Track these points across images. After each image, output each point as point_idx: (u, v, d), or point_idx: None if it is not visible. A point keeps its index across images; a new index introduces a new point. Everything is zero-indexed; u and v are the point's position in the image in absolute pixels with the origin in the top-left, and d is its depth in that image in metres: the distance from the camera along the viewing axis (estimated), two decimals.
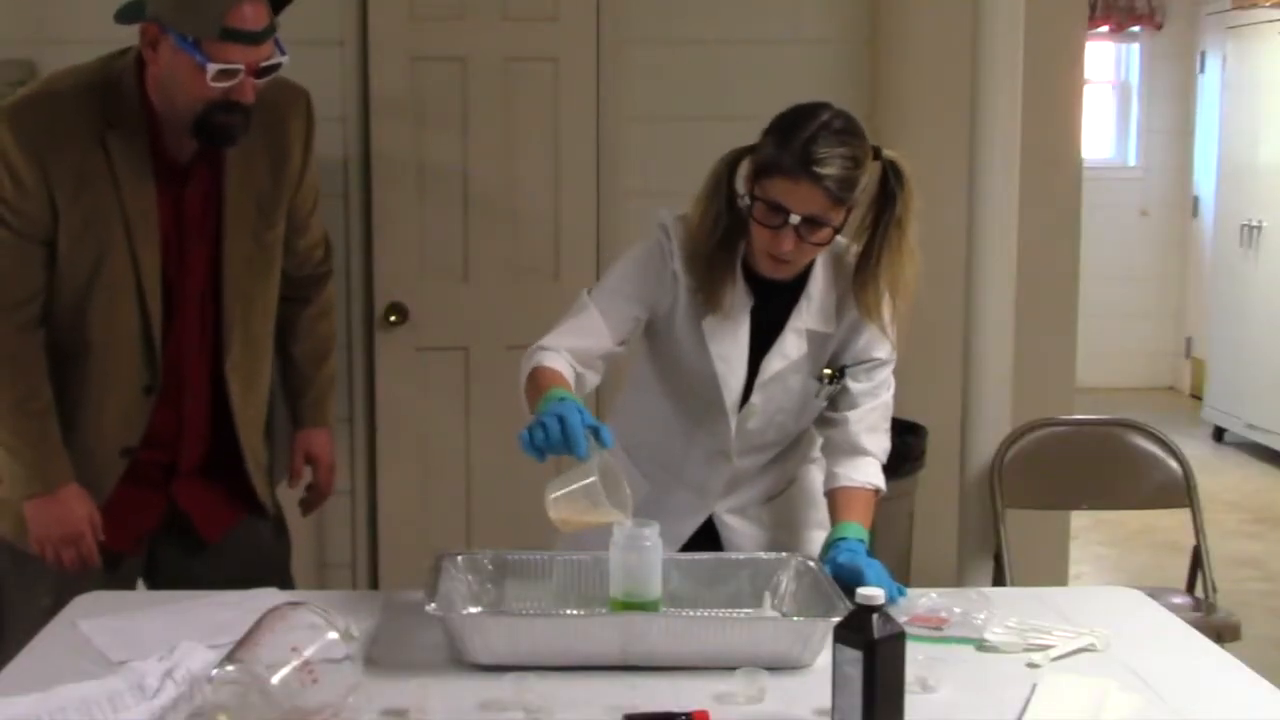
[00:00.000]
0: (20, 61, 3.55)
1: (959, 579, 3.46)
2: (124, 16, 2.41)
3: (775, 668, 1.92)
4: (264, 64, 2.37)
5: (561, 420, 2.02)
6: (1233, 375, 7.36)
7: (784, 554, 2.29)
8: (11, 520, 2.53)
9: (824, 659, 1.85)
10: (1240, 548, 5.65)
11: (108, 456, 2.54)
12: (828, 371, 2.37)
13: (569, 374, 2.23)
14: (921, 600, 2.22)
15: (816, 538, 2.46)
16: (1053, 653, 2.05)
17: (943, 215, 3.63)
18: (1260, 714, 1.90)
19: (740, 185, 2.29)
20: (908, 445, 3.57)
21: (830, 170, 2.15)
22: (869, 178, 2.25)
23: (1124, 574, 5.25)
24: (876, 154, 2.26)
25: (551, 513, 2.08)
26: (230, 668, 1.71)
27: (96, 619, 2.15)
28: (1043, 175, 3.67)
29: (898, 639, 1.73)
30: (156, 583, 2.67)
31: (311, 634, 1.77)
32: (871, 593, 1.72)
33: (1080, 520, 4.88)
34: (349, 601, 2.22)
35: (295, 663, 1.73)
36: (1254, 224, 7.16)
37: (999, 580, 3.35)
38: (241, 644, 1.75)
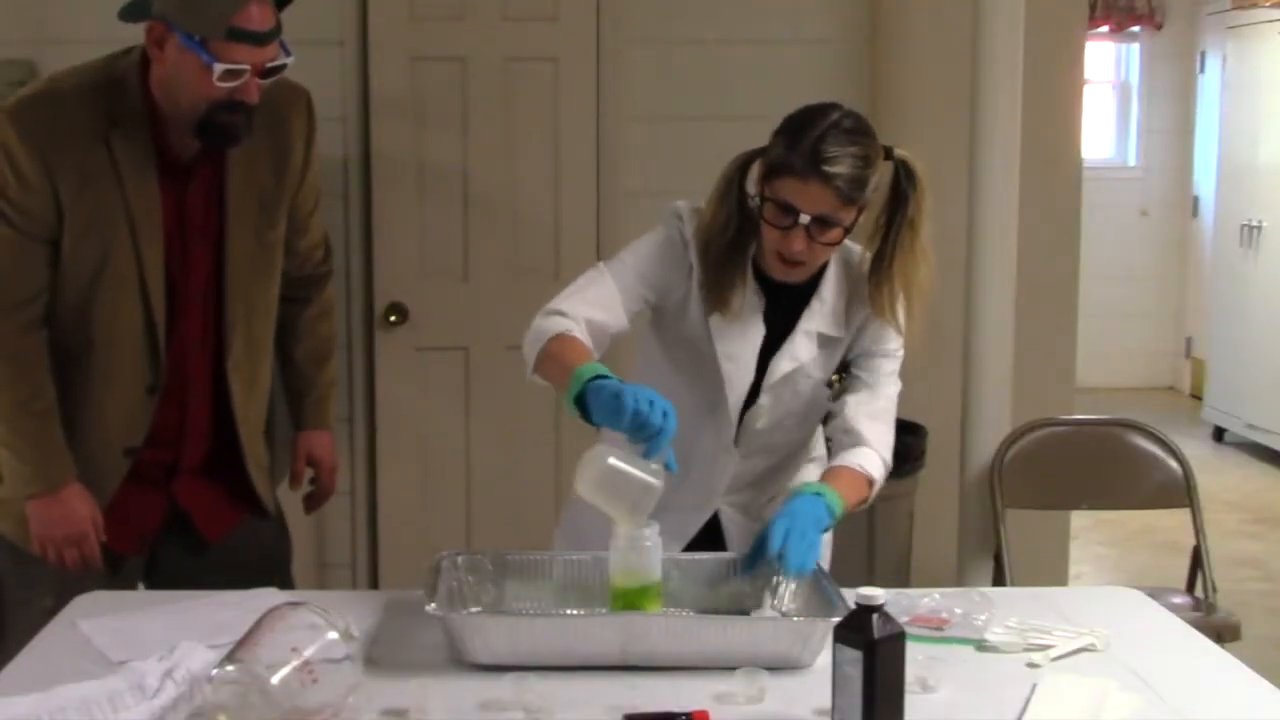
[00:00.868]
0: (20, 61, 3.55)
1: (959, 579, 3.46)
2: (129, 14, 2.41)
3: (775, 668, 1.92)
4: (269, 65, 2.37)
5: (657, 410, 2.01)
6: (1233, 375, 7.36)
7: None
8: (13, 520, 2.53)
9: (824, 659, 1.85)
10: (1240, 548, 5.65)
11: (111, 456, 2.54)
12: (837, 376, 2.37)
13: (585, 338, 2.19)
14: (923, 600, 2.22)
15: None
16: (1053, 653, 2.05)
17: (943, 215, 3.63)
18: (1260, 714, 1.90)
19: (751, 187, 2.28)
20: (908, 445, 3.57)
21: (840, 169, 2.15)
22: (880, 178, 2.24)
23: (1124, 574, 5.25)
24: (888, 154, 2.26)
25: (590, 473, 2.04)
26: (230, 668, 1.71)
27: (96, 619, 2.15)
28: (1043, 175, 3.67)
29: (898, 639, 1.73)
30: (157, 583, 2.66)
31: (311, 634, 1.77)
32: (871, 593, 1.72)
33: (1080, 520, 4.88)
34: (349, 601, 2.22)
35: (295, 663, 1.73)
36: (1254, 224, 7.16)
37: (999, 580, 3.35)
38: (241, 644, 1.75)
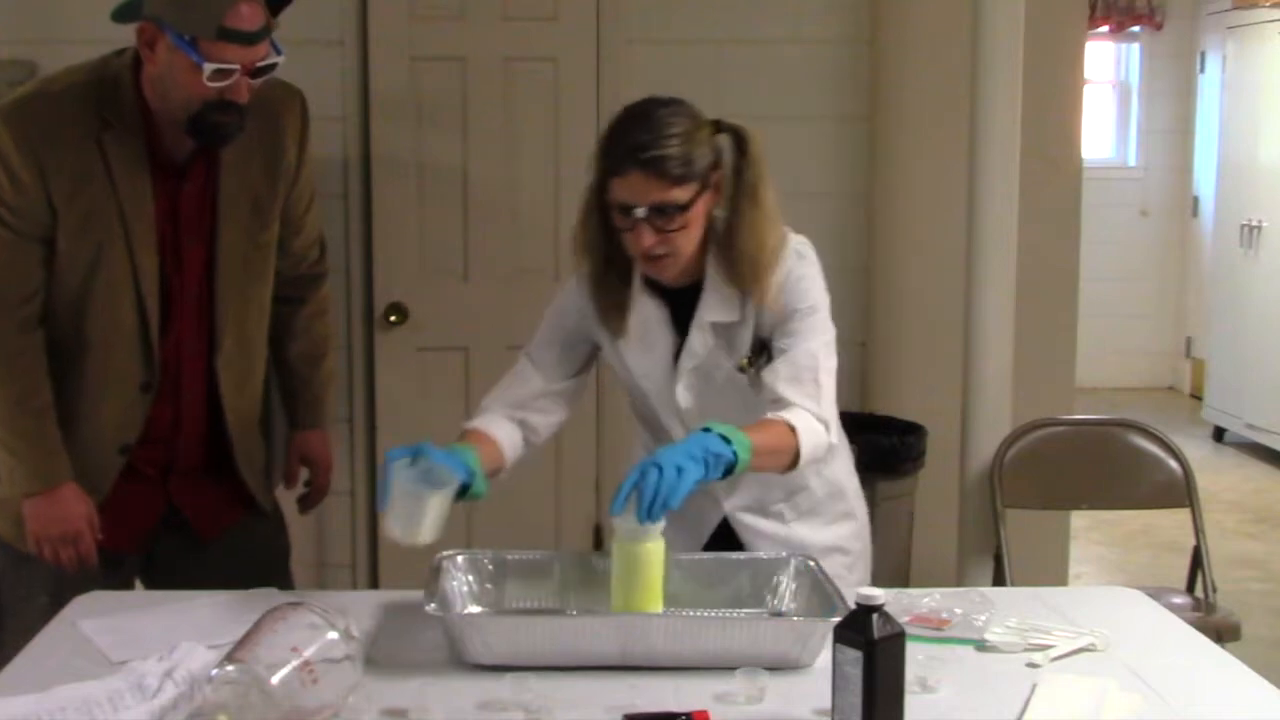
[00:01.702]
0: (20, 61, 3.55)
1: (959, 579, 3.46)
2: (121, 16, 2.42)
3: (775, 668, 1.92)
4: (260, 64, 2.38)
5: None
6: (1233, 375, 7.36)
7: (784, 554, 2.29)
8: (9, 520, 2.53)
9: (824, 659, 1.85)
10: (1240, 548, 5.65)
11: (106, 454, 2.54)
12: (746, 359, 2.33)
13: (496, 428, 2.34)
14: (923, 600, 2.22)
15: (842, 529, 2.47)
16: (1053, 653, 2.05)
17: (943, 215, 3.64)
18: (1260, 714, 1.90)
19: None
20: (908, 445, 3.57)
21: (654, 153, 2.16)
22: (717, 154, 2.24)
23: (1124, 574, 5.25)
24: (719, 127, 2.25)
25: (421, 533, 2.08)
26: (230, 668, 1.71)
27: (96, 619, 2.16)
28: (1043, 175, 3.67)
29: (898, 639, 1.73)
30: (154, 582, 2.67)
31: (311, 634, 1.77)
32: (871, 593, 1.72)
33: (1080, 520, 4.88)
34: (349, 601, 2.22)
35: (295, 663, 1.72)
36: (1254, 224, 7.16)
37: (999, 580, 3.35)
38: (241, 644, 1.75)
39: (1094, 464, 3.56)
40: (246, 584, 2.33)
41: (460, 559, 2.22)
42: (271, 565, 2.67)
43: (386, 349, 3.78)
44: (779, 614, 2.17)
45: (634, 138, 2.18)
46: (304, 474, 2.89)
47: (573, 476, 3.86)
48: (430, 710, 1.82)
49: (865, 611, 1.72)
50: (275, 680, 1.70)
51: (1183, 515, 3.49)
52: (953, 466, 3.50)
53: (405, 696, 1.84)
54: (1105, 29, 8.38)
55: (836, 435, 2.36)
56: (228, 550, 2.64)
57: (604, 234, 2.31)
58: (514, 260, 3.78)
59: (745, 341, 2.33)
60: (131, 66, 2.44)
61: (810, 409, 2.25)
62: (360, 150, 3.72)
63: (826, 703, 1.76)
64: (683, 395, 2.35)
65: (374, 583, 3.83)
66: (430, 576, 2.12)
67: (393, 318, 3.75)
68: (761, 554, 2.32)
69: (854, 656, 1.71)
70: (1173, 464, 3.50)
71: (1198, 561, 3.48)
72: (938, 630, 2.13)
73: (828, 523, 2.47)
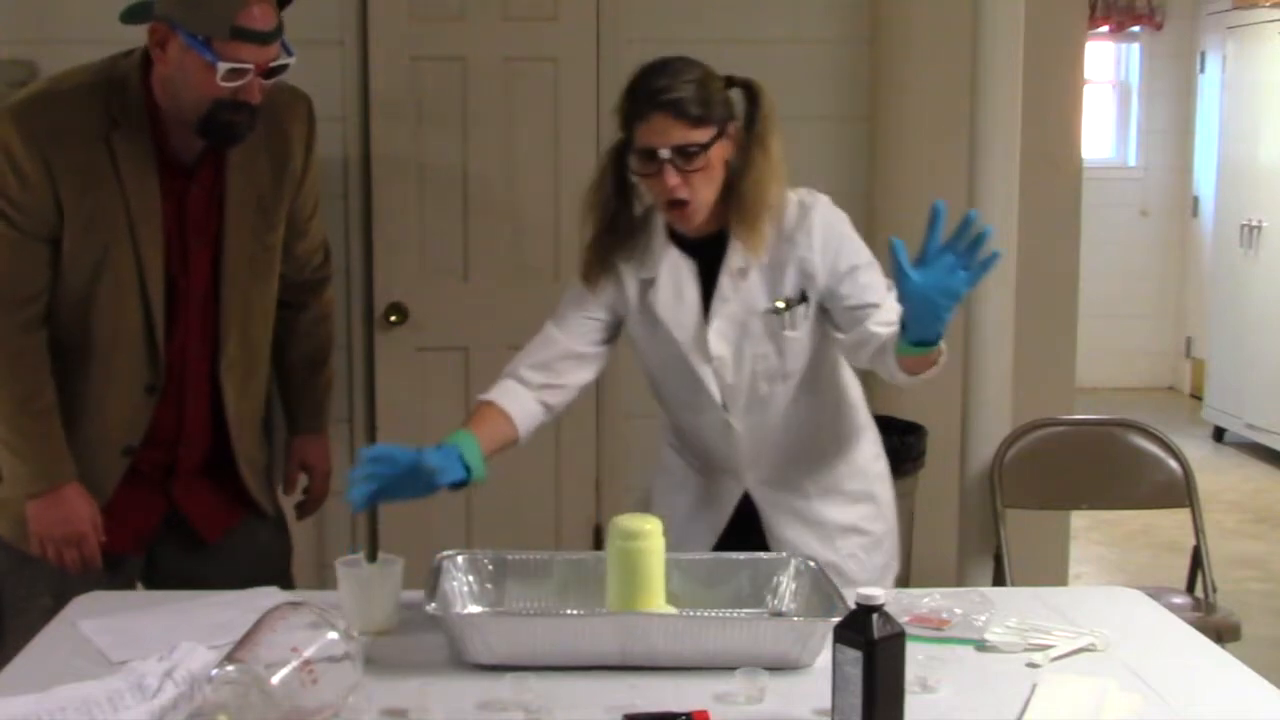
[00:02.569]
0: (20, 61, 3.55)
1: (959, 579, 3.46)
2: (131, 17, 2.42)
3: (775, 668, 1.92)
4: (272, 64, 2.38)
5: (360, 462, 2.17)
6: (1233, 375, 7.36)
7: (784, 554, 2.29)
8: (11, 520, 2.53)
9: (824, 659, 1.85)
10: (1240, 548, 5.66)
11: (109, 455, 2.54)
12: (784, 299, 2.39)
13: (508, 400, 2.37)
14: (923, 600, 2.22)
15: (862, 510, 2.53)
16: (1053, 653, 2.05)
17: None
18: (1260, 714, 1.90)
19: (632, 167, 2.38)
20: (908, 445, 3.57)
21: (674, 95, 2.27)
22: (725, 103, 2.33)
23: (1124, 574, 5.25)
24: (731, 82, 2.36)
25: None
26: (230, 668, 1.71)
27: (96, 619, 2.16)
28: (1043, 175, 3.67)
29: (898, 639, 1.73)
30: (155, 584, 2.67)
31: (311, 634, 1.77)
32: (871, 593, 1.72)
33: (1080, 520, 4.88)
34: None
35: (295, 663, 1.73)
36: (1254, 224, 7.16)
37: (999, 580, 3.35)
38: (241, 644, 1.75)
39: (1094, 464, 3.56)
40: (248, 585, 2.33)
41: (460, 559, 2.22)
42: (273, 567, 2.67)
43: (386, 349, 3.77)
44: (779, 614, 2.17)
45: (653, 82, 2.29)
46: (302, 480, 2.89)
47: (573, 476, 3.86)
48: (430, 710, 1.82)
49: (865, 611, 1.72)
50: (275, 680, 1.70)
51: (1183, 515, 3.49)
52: (953, 466, 3.50)
53: (405, 696, 1.84)
54: (1105, 29, 8.38)
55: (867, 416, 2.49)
56: (229, 552, 2.64)
57: (617, 194, 2.40)
58: (514, 260, 3.77)
59: (781, 286, 2.39)
60: (140, 67, 2.44)
61: None
62: (360, 150, 3.71)
63: (826, 703, 1.76)
64: (715, 341, 2.40)
65: None
66: (430, 576, 2.12)
67: (393, 318, 3.75)
68: (761, 554, 2.32)
69: (854, 656, 1.71)
70: (1173, 464, 3.50)
71: (1198, 561, 3.48)
72: (938, 630, 2.13)
73: (848, 502, 2.53)
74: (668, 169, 2.28)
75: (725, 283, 2.39)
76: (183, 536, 2.64)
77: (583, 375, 2.43)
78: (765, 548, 2.48)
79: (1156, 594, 2.52)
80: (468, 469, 2.21)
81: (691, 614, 2.10)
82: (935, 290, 2.10)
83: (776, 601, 2.19)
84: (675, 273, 2.41)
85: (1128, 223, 8.55)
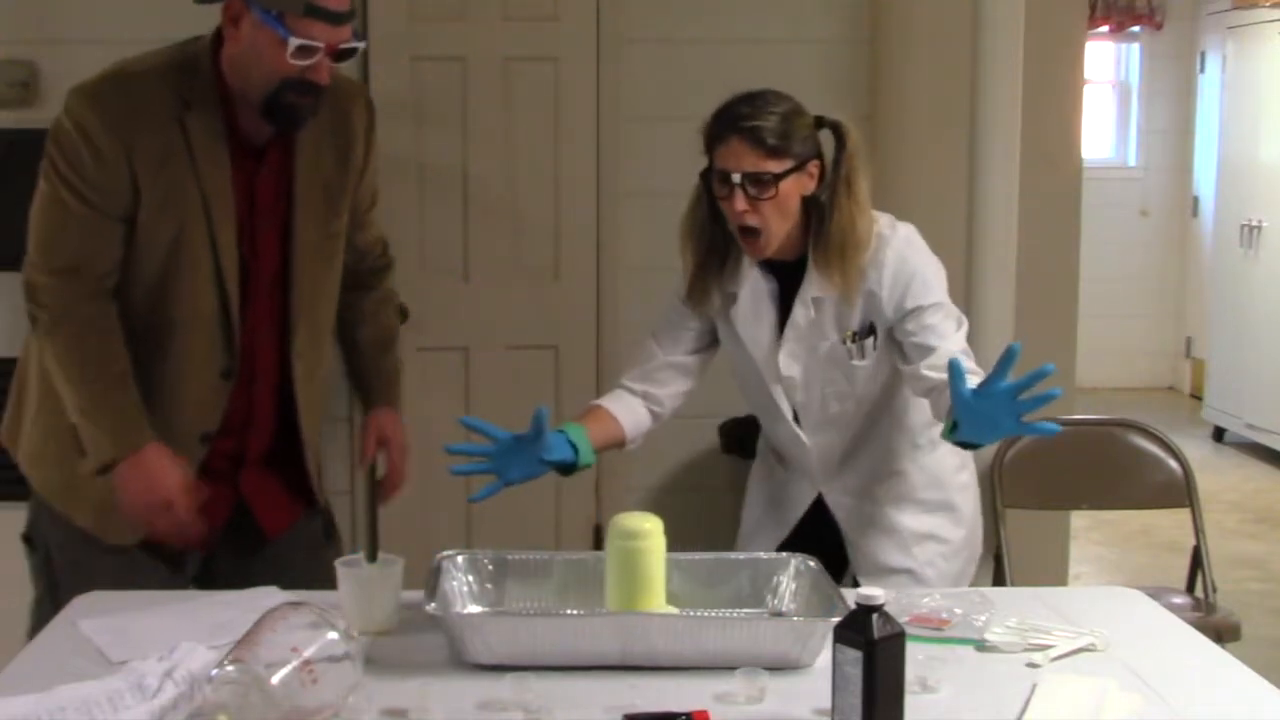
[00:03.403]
0: (20, 62, 3.55)
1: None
2: None
3: (775, 668, 1.92)
4: (342, 46, 2.39)
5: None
6: (1233, 375, 7.36)
7: (784, 554, 2.29)
8: (89, 508, 2.49)
9: (824, 659, 1.85)
10: (1240, 548, 5.66)
11: (188, 442, 2.50)
12: (850, 331, 2.47)
13: (615, 404, 2.55)
14: (923, 600, 2.22)
15: (938, 519, 2.59)
16: (1053, 653, 2.05)
17: (943, 215, 3.64)
18: (1260, 714, 1.90)
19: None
20: None
21: (756, 123, 2.36)
22: (811, 141, 2.43)
23: (1124, 574, 5.25)
24: (820, 123, 2.46)
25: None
26: (230, 668, 1.71)
27: (96, 619, 2.15)
28: (1043, 175, 3.67)
29: (898, 639, 1.73)
30: (205, 584, 2.61)
31: (311, 634, 1.77)
32: (871, 593, 1.72)
33: (1080, 520, 4.88)
34: None
35: (295, 663, 1.73)
36: (1254, 224, 7.16)
37: (999, 580, 3.35)
38: (241, 644, 1.75)
39: (1094, 464, 3.56)
40: (298, 586, 2.29)
41: (460, 559, 2.23)
42: (323, 567, 2.51)
43: None
44: (779, 614, 2.17)
45: (738, 109, 2.40)
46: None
47: (573, 476, 3.85)
48: (430, 710, 1.82)
49: (865, 611, 1.72)
50: (275, 680, 1.70)
51: (1183, 515, 3.50)
52: None
53: (405, 696, 1.84)
54: (1105, 29, 8.38)
55: None
56: (285, 551, 2.61)
57: (711, 218, 2.49)
58: (514, 260, 3.77)
59: (850, 318, 2.47)
60: (211, 49, 2.45)
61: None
62: None
63: (826, 703, 1.76)
64: (785, 363, 2.50)
65: None
66: (430, 576, 2.13)
67: None
68: (761, 554, 2.32)
69: (854, 656, 1.71)
70: (1173, 464, 3.50)
71: (1198, 561, 3.48)
72: (938, 630, 2.13)
73: (924, 510, 2.60)
74: (738, 193, 2.37)
75: (799, 310, 2.48)
76: (241, 536, 2.60)
77: (683, 383, 2.58)
78: (839, 551, 2.57)
79: (1156, 594, 2.52)
80: (575, 450, 2.34)
81: (691, 614, 2.10)
82: (984, 420, 2.14)
83: (776, 601, 2.19)
84: (755, 292, 2.51)
85: (1128, 223, 8.55)
